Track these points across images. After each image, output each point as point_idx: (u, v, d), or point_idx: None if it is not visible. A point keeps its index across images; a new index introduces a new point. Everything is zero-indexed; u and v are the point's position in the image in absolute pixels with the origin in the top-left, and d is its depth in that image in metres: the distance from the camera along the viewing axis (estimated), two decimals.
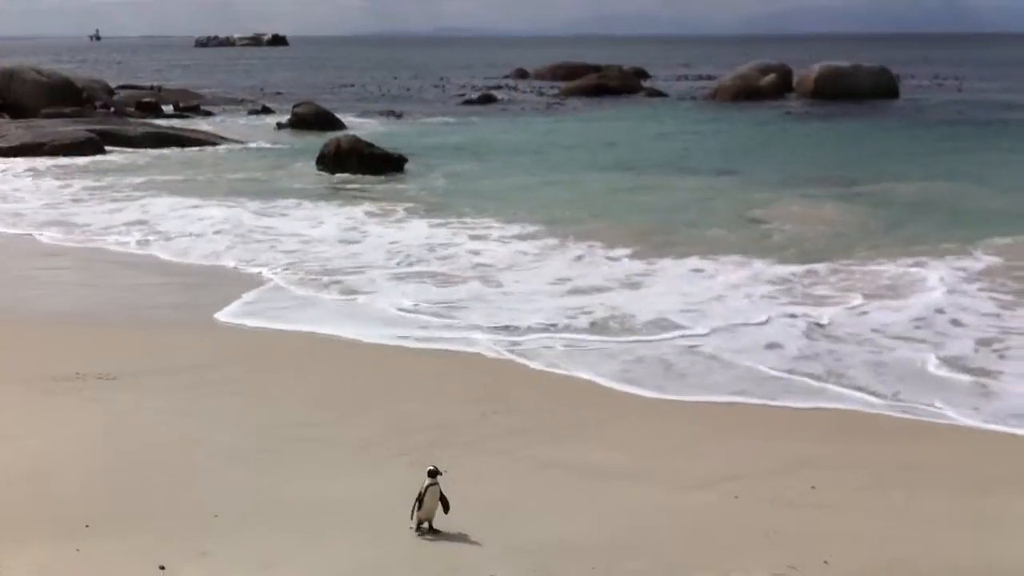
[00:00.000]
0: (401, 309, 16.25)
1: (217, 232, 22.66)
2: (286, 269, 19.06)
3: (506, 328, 15.15)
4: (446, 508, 8.38)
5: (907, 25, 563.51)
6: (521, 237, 22.07)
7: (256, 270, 19.18)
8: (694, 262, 19.45)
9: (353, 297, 17.20)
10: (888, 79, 62.98)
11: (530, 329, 15.08)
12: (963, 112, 53.79)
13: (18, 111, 45.52)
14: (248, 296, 17.07)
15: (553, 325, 15.32)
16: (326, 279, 18.32)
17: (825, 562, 8.11)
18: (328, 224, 23.85)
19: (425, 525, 8.40)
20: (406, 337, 14.84)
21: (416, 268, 19.31)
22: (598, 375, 13.18)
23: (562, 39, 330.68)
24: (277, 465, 9.95)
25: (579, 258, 20.15)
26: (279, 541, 8.29)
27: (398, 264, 19.70)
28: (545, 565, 8.00)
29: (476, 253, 20.55)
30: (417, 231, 22.94)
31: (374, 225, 23.79)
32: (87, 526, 8.46)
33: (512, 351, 14.16)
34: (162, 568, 7.76)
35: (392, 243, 21.62)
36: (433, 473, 8.39)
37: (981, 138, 41.93)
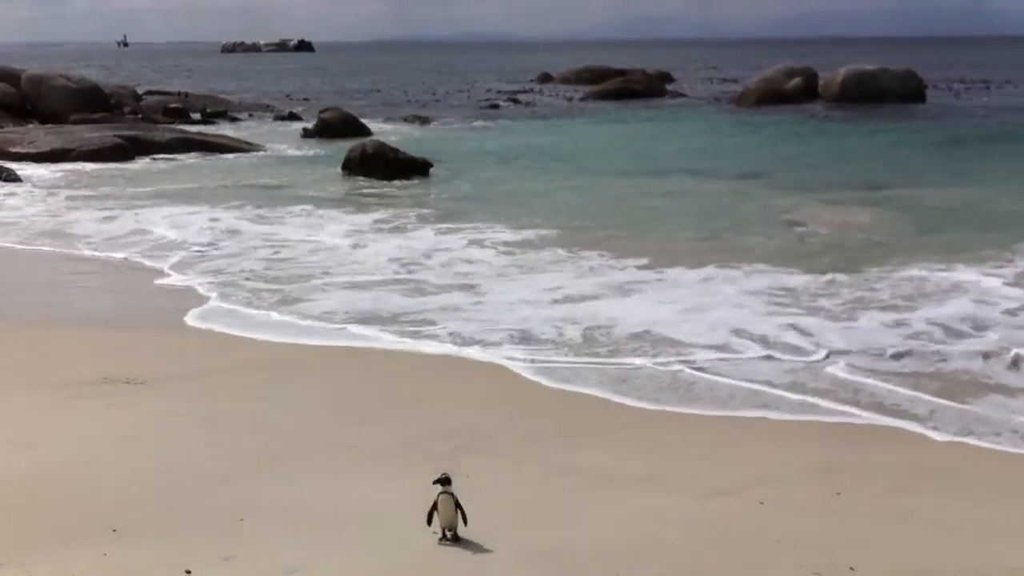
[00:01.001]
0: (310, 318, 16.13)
1: (210, 243, 22.40)
2: (220, 278, 18.93)
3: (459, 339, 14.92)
4: (464, 519, 8.38)
5: (929, 28, 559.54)
6: (531, 245, 21.73)
7: (193, 280, 18.99)
8: (710, 271, 19.14)
9: (282, 307, 16.90)
10: (915, 82, 62.48)
11: (487, 343, 14.70)
12: (991, 116, 53.42)
13: (47, 117, 46.07)
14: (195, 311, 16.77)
15: (517, 340, 14.88)
16: (267, 287, 18.19)
17: (851, 568, 8.06)
18: (329, 231, 23.85)
19: (449, 533, 8.39)
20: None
21: (390, 277, 19.01)
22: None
23: (586, 43, 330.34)
24: (300, 470, 10.00)
25: (586, 267, 19.76)
26: (302, 546, 8.32)
27: (372, 273, 19.39)
28: (566, 571, 7.99)
29: (470, 262, 20.25)
30: (422, 239, 22.75)
31: (377, 232, 23.63)
32: (114, 530, 8.53)
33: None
34: (188, 572, 7.81)
35: (383, 251, 21.38)
36: (442, 481, 8.36)
37: (1010, 141, 41.59)
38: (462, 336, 15.07)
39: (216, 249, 21.73)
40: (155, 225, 24.53)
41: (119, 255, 21.35)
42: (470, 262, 20.29)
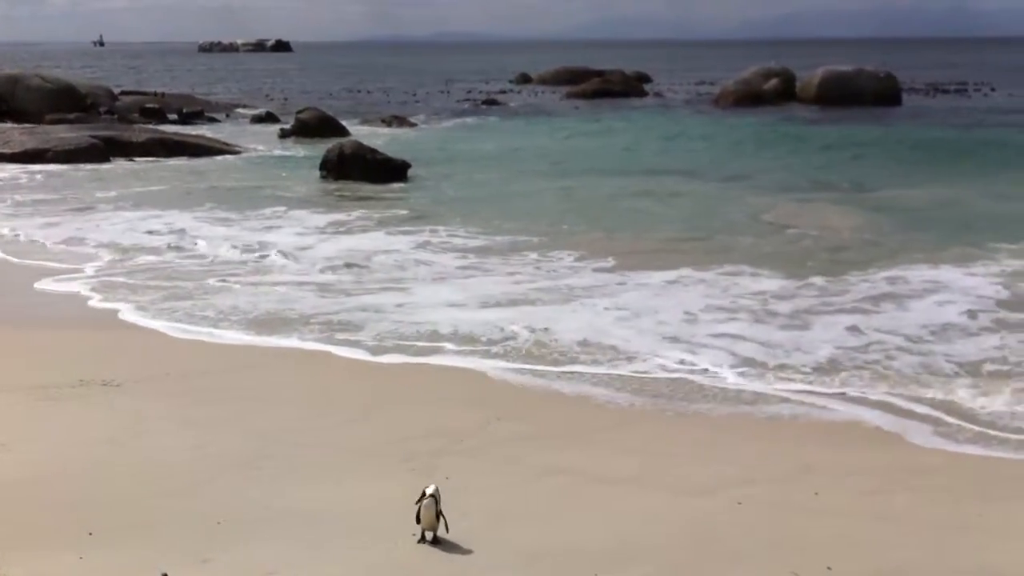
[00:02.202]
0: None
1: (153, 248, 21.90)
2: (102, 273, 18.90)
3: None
4: (446, 527, 8.38)
5: (911, 29, 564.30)
6: (491, 250, 21.43)
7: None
8: (678, 273, 18.97)
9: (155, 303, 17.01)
10: (892, 84, 62.76)
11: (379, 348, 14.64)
12: (966, 118, 53.70)
13: (23, 117, 45.77)
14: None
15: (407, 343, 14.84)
16: (157, 284, 18.24)
17: (829, 568, 8.10)
18: (282, 232, 23.73)
19: (429, 535, 8.39)
20: None
21: (310, 279, 18.93)
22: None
23: (565, 43, 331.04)
24: (279, 472, 9.95)
25: (546, 269, 19.61)
26: (281, 548, 8.29)
27: (296, 274, 19.40)
28: (549, 571, 8.00)
29: (419, 264, 20.12)
30: (375, 240, 22.57)
31: (329, 234, 23.49)
32: (90, 534, 8.48)
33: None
34: (164, 575, 7.76)
35: (323, 253, 21.29)
36: (427, 495, 8.37)
37: (986, 144, 41.80)
38: (378, 338, 14.99)
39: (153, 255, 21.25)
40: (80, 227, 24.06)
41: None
42: (419, 264, 20.15)
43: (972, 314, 16.19)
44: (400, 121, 54.10)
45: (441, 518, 8.36)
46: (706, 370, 13.60)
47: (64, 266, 19.99)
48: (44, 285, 18.53)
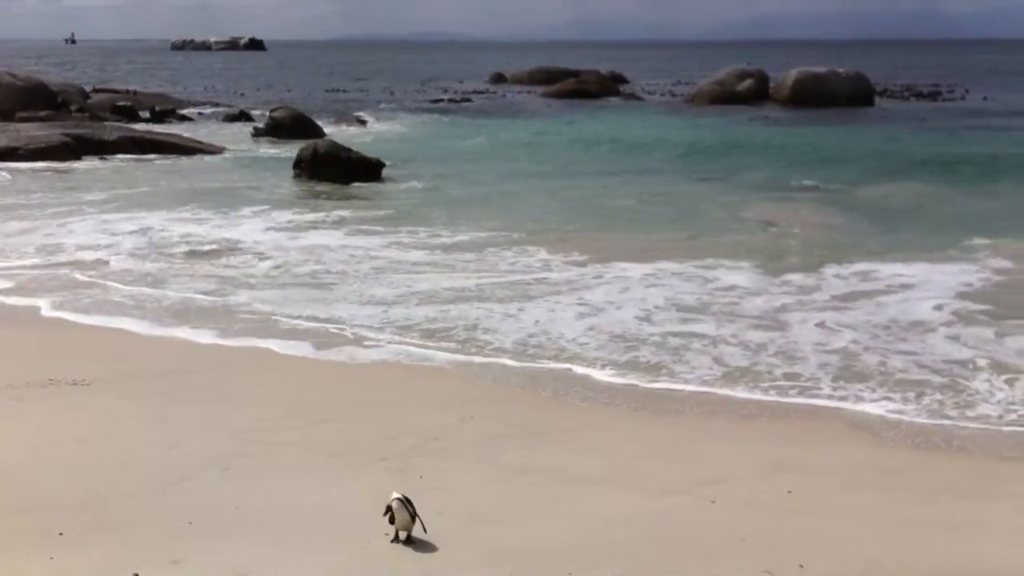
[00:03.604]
0: None
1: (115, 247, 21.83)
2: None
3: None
4: (423, 527, 8.37)
5: (883, 32, 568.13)
6: (456, 246, 21.54)
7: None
8: (645, 270, 19.14)
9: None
10: (864, 85, 63.24)
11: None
12: (937, 119, 54.14)
13: None
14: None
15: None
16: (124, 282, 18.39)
17: (801, 566, 8.14)
18: (243, 228, 23.82)
19: (402, 535, 8.37)
20: None
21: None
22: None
23: (540, 44, 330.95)
24: (252, 471, 9.91)
25: (502, 267, 19.65)
26: (253, 548, 8.25)
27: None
28: (521, 571, 7.99)
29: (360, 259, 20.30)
30: (340, 239, 22.57)
31: (296, 231, 23.52)
32: (61, 534, 8.41)
33: None
34: (135, 575, 7.71)
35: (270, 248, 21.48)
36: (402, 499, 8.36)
37: (956, 144, 42.15)
38: (347, 335, 15.18)
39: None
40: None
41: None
42: (389, 262, 20.17)
43: (944, 311, 16.32)
44: (375, 119, 53.97)
45: (417, 519, 8.34)
46: (677, 369, 13.64)
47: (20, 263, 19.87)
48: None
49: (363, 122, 53.43)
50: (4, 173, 33.00)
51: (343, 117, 54.62)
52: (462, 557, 8.19)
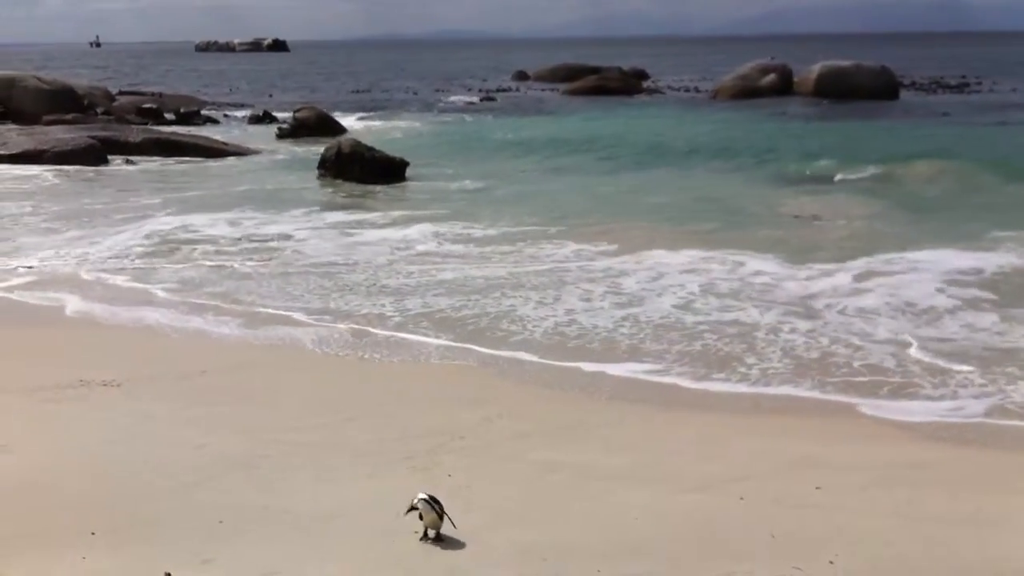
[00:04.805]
0: None
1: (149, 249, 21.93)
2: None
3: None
4: (452, 524, 8.37)
5: (900, 24, 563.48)
6: (488, 240, 21.85)
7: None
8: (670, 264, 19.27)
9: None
10: (889, 78, 62.73)
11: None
12: (964, 112, 53.62)
13: (20, 118, 45.72)
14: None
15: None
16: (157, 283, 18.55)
17: (830, 562, 8.10)
18: (272, 228, 23.94)
19: (432, 533, 8.39)
20: None
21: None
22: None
23: (557, 41, 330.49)
24: (279, 471, 9.95)
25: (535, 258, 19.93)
26: (282, 547, 8.29)
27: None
28: (549, 568, 7.99)
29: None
30: (354, 237, 22.76)
31: (316, 229, 23.68)
32: (93, 534, 8.48)
33: None
34: (167, 575, 7.77)
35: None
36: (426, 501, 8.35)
37: (985, 137, 41.76)
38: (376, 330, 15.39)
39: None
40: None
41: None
42: (416, 256, 20.43)
43: (978, 303, 16.16)
44: (399, 118, 54.09)
45: (446, 517, 8.34)
46: (701, 364, 13.61)
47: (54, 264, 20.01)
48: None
49: (386, 120, 53.54)
50: (48, 175, 33.33)
51: (366, 116, 54.76)
52: (489, 555, 8.19)
